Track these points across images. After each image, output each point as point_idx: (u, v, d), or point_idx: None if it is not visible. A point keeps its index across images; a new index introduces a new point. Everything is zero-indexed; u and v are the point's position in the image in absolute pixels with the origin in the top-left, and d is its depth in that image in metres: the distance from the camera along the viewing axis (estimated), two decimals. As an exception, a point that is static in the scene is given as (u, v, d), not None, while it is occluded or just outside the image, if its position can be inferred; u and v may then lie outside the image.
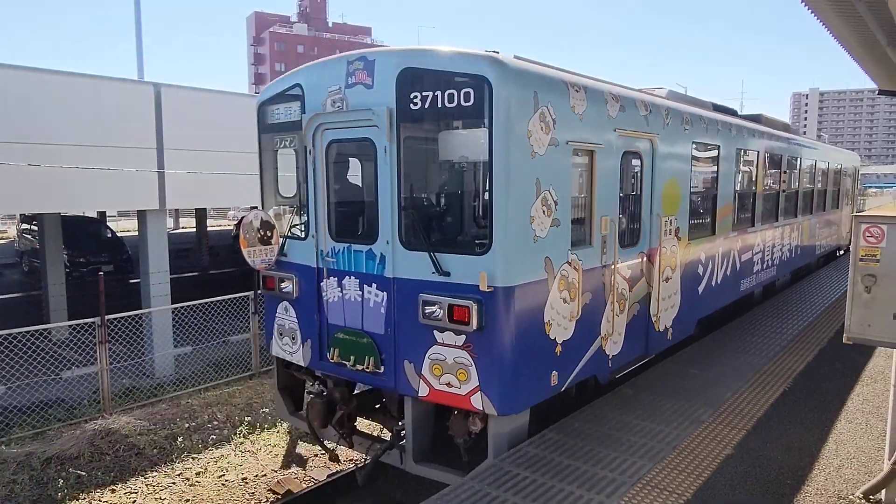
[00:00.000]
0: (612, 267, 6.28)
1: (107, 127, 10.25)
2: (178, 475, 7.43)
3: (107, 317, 9.16)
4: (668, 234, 7.36)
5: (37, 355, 9.42)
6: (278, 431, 8.56)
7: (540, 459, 5.12)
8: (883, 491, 4.69)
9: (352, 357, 5.81)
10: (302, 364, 6.37)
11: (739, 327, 9.47)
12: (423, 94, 5.13)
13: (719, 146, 8.65)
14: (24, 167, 9.16)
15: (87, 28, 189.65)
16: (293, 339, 6.40)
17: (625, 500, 4.54)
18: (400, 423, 5.95)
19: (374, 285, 5.63)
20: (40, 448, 7.87)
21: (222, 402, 9.47)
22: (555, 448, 5.33)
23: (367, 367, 5.69)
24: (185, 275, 21.16)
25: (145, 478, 7.34)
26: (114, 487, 7.11)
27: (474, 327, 4.99)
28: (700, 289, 8.51)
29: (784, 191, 11.61)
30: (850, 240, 4.75)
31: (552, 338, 5.53)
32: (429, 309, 5.19)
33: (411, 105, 5.21)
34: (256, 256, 6.40)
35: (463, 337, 5.13)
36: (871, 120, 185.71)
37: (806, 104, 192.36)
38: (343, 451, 6.97)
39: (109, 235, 22.53)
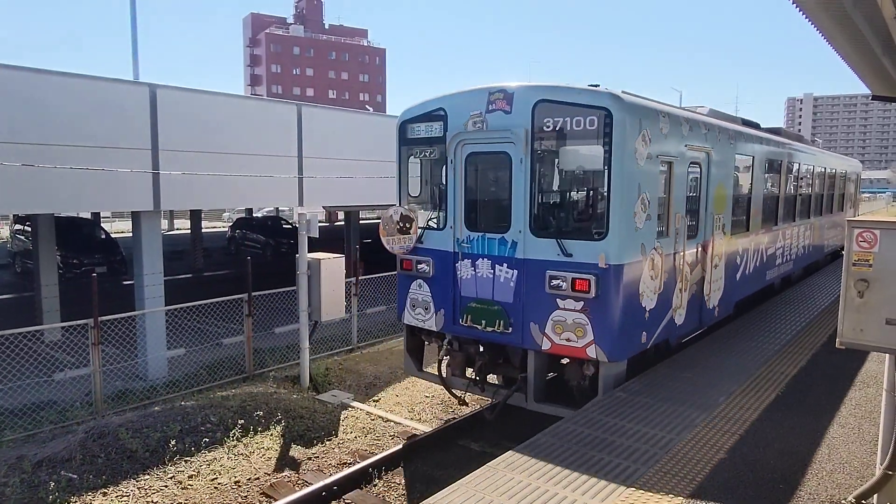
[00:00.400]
0: (681, 254, 8.00)
1: (101, 127, 10.22)
2: (171, 478, 7.40)
3: (100, 318, 9.12)
4: (717, 229, 9.04)
5: (29, 357, 9.37)
6: (272, 434, 8.53)
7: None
8: (875, 496, 4.70)
9: (483, 321, 7.49)
10: (434, 329, 8.00)
11: (733, 331, 9.50)
12: (555, 119, 6.81)
13: (753, 157, 10.36)
14: (18, 167, 9.12)
15: (81, 28, 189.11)
16: (426, 309, 8.04)
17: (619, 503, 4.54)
18: (522, 373, 7.41)
19: (505, 265, 7.27)
20: (32, 450, 7.81)
21: (215, 404, 9.43)
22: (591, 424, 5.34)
23: (498, 329, 7.36)
24: (180, 276, 21.09)
25: (137, 481, 7.30)
26: (105, 490, 7.06)
27: (592, 295, 6.61)
28: (738, 276, 10.13)
29: (799, 194, 13.13)
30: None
31: (643, 306, 7.21)
32: (554, 282, 6.81)
33: (544, 127, 6.89)
34: (395, 244, 7.98)
35: (582, 303, 6.73)
36: (865, 125, 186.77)
37: (800, 109, 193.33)
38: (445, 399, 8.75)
39: (103, 237, 22.45)
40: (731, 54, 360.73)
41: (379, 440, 8.54)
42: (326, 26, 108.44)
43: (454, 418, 9.31)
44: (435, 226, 7.99)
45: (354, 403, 9.75)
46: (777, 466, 5.21)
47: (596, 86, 6.92)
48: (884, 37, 6.92)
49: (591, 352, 6.74)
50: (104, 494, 6.99)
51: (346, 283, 11.08)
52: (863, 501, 4.73)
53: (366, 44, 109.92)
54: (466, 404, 8.99)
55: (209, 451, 8.02)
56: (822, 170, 15.27)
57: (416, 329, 8.35)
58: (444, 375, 8.18)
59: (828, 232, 16.46)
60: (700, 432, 5.83)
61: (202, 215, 29.17)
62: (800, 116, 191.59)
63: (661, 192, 7.51)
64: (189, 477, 7.41)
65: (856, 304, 4.58)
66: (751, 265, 10.72)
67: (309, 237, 10.12)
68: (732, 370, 7.63)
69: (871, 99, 11.93)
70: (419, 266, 7.97)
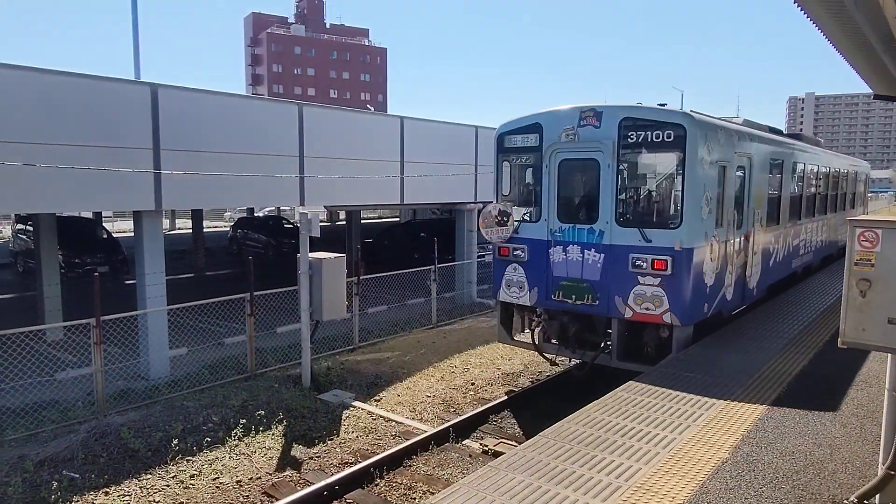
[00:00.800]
0: (731, 242, 9.57)
1: (103, 127, 10.23)
2: (172, 477, 7.40)
3: (102, 318, 9.13)
4: (756, 222, 10.53)
5: (31, 356, 9.38)
6: (273, 434, 8.54)
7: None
8: (878, 496, 4.70)
9: (573, 296, 9.07)
10: (528, 304, 9.58)
11: (736, 330, 9.50)
12: (637, 132, 8.45)
13: (783, 160, 11.71)
14: (19, 167, 9.13)
15: (82, 29, 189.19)
16: (521, 288, 9.61)
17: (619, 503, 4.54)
18: (606, 338, 9.00)
19: (592, 250, 8.86)
20: (34, 450, 7.83)
21: (217, 404, 9.44)
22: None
23: (586, 301, 8.95)
24: (182, 276, 21.11)
25: (139, 480, 7.31)
26: (107, 490, 7.07)
27: (669, 272, 8.21)
28: (770, 263, 11.59)
29: (818, 193, 14.47)
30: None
31: (706, 282, 8.84)
32: (636, 262, 8.43)
33: (628, 139, 8.51)
34: (494, 234, 9.73)
35: (659, 279, 8.32)
36: (867, 124, 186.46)
37: (802, 108, 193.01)
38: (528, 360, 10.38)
39: (105, 236, 22.48)
40: (733, 53, 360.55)
41: (380, 440, 8.54)
42: (328, 26, 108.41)
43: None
44: (529, 219, 9.55)
45: (356, 403, 9.76)
46: (779, 466, 5.20)
47: (664, 104, 8.94)
48: (886, 36, 6.90)
49: (667, 318, 8.37)
50: (106, 494, 7.00)
51: (348, 282, 11.09)
52: (865, 501, 4.72)
53: (367, 43, 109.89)
54: (557, 364, 10.97)
55: (211, 451, 8.03)
56: (836, 171, 16.47)
57: (508, 305, 9.96)
58: (537, 342, 9.66)
59: (841, 227, 17.30)
60: (701, 431, 5.83)
61: (203, 215, 29.21)
62: (801, 116, 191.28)
63: (717, 191, 8.98)
64: (191, 476, 7.42)
65: (858, 303, 4.58)
66: (780, 254, 12.22)
67: (310, 237, 10.13)
68: (734, 370, 7.63)
69: (873, 98, 11.94)
70: (515, 252, 9.58)
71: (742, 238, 10.02)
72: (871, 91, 10.85)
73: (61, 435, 8.32)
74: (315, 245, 10.69)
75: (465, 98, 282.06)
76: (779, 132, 12.93)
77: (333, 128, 14.36)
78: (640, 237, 8.43)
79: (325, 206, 14.92)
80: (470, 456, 7.98)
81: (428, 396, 10.19)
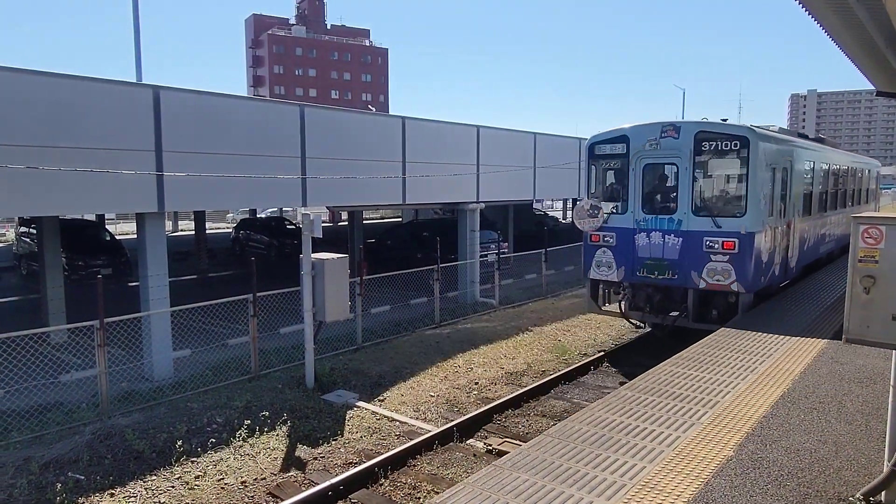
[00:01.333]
0: (779, 228, 11.64)
1: (105, 129, 10.25)
2: (178, 479, 7.42)
3: (105, 320, 9.15)
4: (795, 213, 12.47)
5: (35, 359, 9.40)
6: (277, 435, 8.55)
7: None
8: (883, 493, 4.69)
9: (655, 272, 11.17)
10: (615, 280, 11.69)
11: (739, 329, 9.49)
12: (709, 142, 10.66)
13: (813, 161, 13.68)
14: (22, 169, 9.15)
15: (84, 32, 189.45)
16: (609, 267, 11.70)
17: (624, 502, 4.53)
18: (683, 305, 11.15)
19: (672, 235, 10.99)
20: (39, 452, 7.85)
21: (221, 405, 9.46)
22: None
23: (667, 276, 11.05)
24: (185, 278, 21.14)
25: (144, 481, 7.32)
26: (112, 491, 7.09)
27: (736, 251, 10.36)
28: (805, 247, 13.56)
29: (838, 189, 16.20)
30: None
31: (762, 260, 10.90)
32: (709, 244, 10.59)
33: (701, 148, 10.71)
34: (586, 225, 11.79)
35: (728, 256, 10.45)
36: (869, 122, 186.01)
37: (804, 106, 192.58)
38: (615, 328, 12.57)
39: (108, 238, 22.52)
40: (735, 50, 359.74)
41: (385, 440, 8.55)
42: (328, 27, 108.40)
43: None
44: (616, 211, 11.62)
45: (360, 403, 9.76)
46: (784, 464, 5.20)
47: (725, 120, 11.42)
48: (888, 32, 6.89)
49: (734, 287, 10.47)
50: (111, 495, 7.02)
51: (351, 282, 11.09)
52: (871, 499, 4.71)
53: (368, 44, 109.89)
54: (643, 327, 12.98)
55: (215, 452, 8.04)
56: (852, 169, 18.20)
57: (596, 281, 12.09)
58: (624, 310, 11.84)
59: None
60: (706, 429, 5.82)
61: (206, 216, 29.24)
62: (804, 113, 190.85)
63: (770, 187, 10.98)
64: (196, 477, 7.43)
65: (862, 300, 4.57)
66: (811, 240, 14.16)
67: (313, 237, 10.13)
68: (737, 368, 7.62)
69: (876, 95, 11.94)
70: (605, 238, 11.67)
71: (785, 226, 12.08)
72: (873, 88, 10.84)
73: (66, 437, 8.34)
74: (317, 246, 10.69)
75: (466, 97, 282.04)
76: (805, 137, 15.16)
77: (335, 128, 14.37)
78: (712, 224, 10.61)
79: (327, 207, 15.04)
80: (474, 455, 7.98)
81: (431, 396, 10.19)
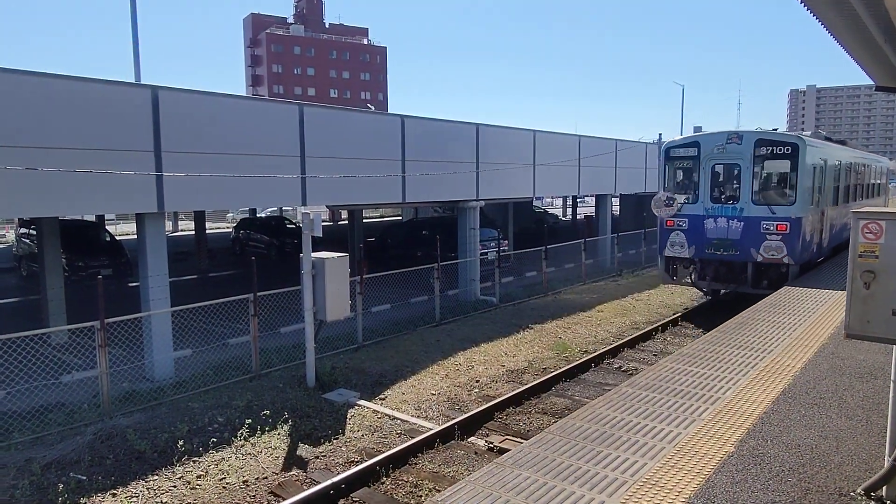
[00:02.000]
0: (817, 215, 14.64)
1: (105, 130, 10.25)
2: (179, 478, 7.42)
3: (106, 320, 9.15)
4: (827, 202, 15.36)
5: (36, 360, 9.41)
6: (279, 434, 8.55)
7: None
8: (884, 487, 4.69)
9: (721, 249, 14.06)
10: (687, 256, 14.62)
11: (740, 324, 9.49)
12: (766, 147, 13.65)
13: (840, 161, 16.61)
14: (22, 171, 9.15)
15: (82, 31, 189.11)
16: (682, 246, 14.64)
17: (625, 499, 4.54)
18: (743, 276, 14.02)
19: (735, 220, 13.92)
20: (40, 453, 7.86)
21: (222, 404, 9.46)
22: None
23: (731, 252, 13.97)
24: (185, 278, 21.14)
25: (146, 481, 7.33)
26: (114, 491, 7.10)
27: (787, 231, 13.32)
28: (833, 231, 16.36)
29: (856, 183, 18.87)
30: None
31: (806, 239, 13.83)
32: (764, 226, 13.57)
33: (759, 151, 13.70)
34: (663, 213, 14.77)
35: (780, 236, 13.39)
36: (869, 116, 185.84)
37: (803, 101, 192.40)
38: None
39: (108, 239, 22.51)
40: (734, 46, 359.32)
41: (386, 438, 8.55)
42: (327, 25, 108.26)
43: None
44: (688, 202, 14.60)
45: (361, 402, 9.77)
46: (785, 459, 5.20)
47: (776, 129, 15.45)
48: (886, 27, 6.88)
49: (786, 260, 13.42)
50: (113, 496, 7.02)
51: (351, 281, 11.09)
52: (872, 494, 4.72)
53: (366, 42, 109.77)
54: (712, 296, 16.45)
55: (217, 451, 8.05)
56: (867, 166, 20.72)
57: (671, 258, 15.03)
58: (693, 280, 14.94)
59: None
60: (707, 426, 5.83)
61: (206, 216, 29.23)
62: (803, 108, 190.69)
63: (811, 181, 13.90)
64: (197, 477, 7.44)
65: (862, 295, 4.57)
66: (837, 226, 16.74)
67: (313, 236, 10.13)
68: (738, 364, 7.62)
69: (875, 90, 11.94)
70: (678, 223, 14.69)
71: (820, 213, 15.01)
72: (872, 83, 10.83)
73: (67, 437, 8.35)
74: (318, 245, 10.69)
75: (465, 95, 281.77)
76: (832, 140, 18.01)
77: (334, 127, 14.36)
78: (768, 211, 13.61)
79: (326, 206, 15.04)
80: (476, 453, 7.99)
81: (433, 394, 10.20)
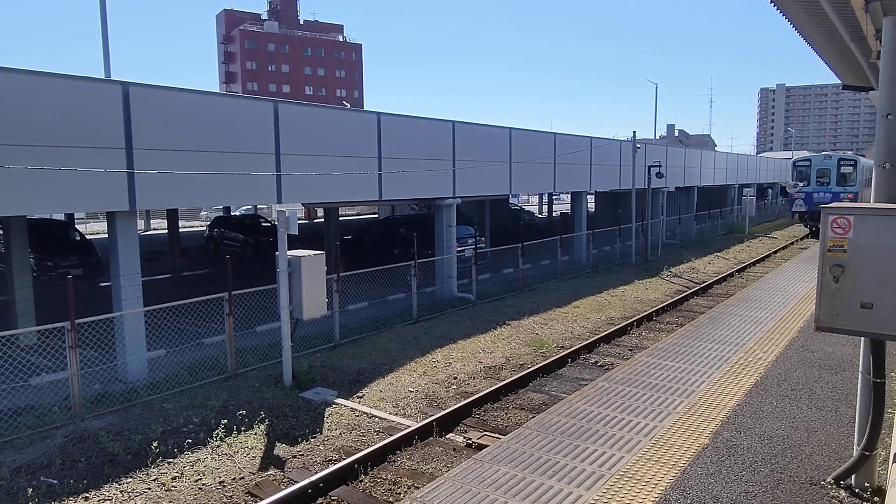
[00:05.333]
0: (860, 193, 30.86)
1: (74, 127, 10.04)
2: (154, 480, 7.31)
3: (77, 321, 8.97)
4: (863, 187, 30.40)
5: (4, 362, 9.19)
6: (255, 433, 8.47)
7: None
8: (853, 476, 4.81)
9: (819, 206, 19.26)
10: (804, 210, 31.67)
11: (713, 319, 9.64)
12: (842, 161, 32.29)
13: (864, 165, 31.28)
14: (-12, 169, 8.91)
15: (49, 26, 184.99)
16: (800, 206, 31.82)
17: (603, 492, 4.58)
18: None
19: (827, 193, 31.08)
20: (10, 457, 7.67)
21: (197, 405, 9.34)
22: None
23: None
24: (158, 277, 20.81)
25: (119, 484, 7.21)
26: (87, 495, 6.96)
27: (852, 198, 32.40)
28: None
29: (867, 180, 28.50)
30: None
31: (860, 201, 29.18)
32: (842, 196, 31.48)
33: (840, 164, 32.14)
34: (792, 190, 32.68)
35: (848, 200, 32.88)
36: (836, 115, 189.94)
37: (773, 100, 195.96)
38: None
39: (78, 238, 22.05)
40: (705, 47, 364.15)
41: (364, 436, 8.52)
42: (301, 22, 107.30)
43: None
44: (804, 185, 31.25)
45: (338, 400, 9.72)
46: (758, 450, 5.30)
47: (848, 150, 60.26)
48: (853, 26, 7.03)
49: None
50: (85, 499, 6.89)
51: (328, 279, 11.02)
52: (841, 482, 4.83)
53: (341, 39, 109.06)
54: (811, 231, 32.34)
55: (192, 452, 7.94)
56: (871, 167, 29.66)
57: (795, 212, 32.07)
58: (807, 222, 32.44)
59: None
60: (682, 418, 5.91)
61: (179, 214, 28.79)
62: (773, 107, 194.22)
63: (861, 176, 30.39)
64: (172, 478, 7.34)
65: (831, 289, 4.67)
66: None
67: (289, 234, 10.04)
68: (712, 358, 7.74)
69: (842, 89, 12.20)
70: (800, 195, 31.30)
71: (853, 195, 28.44)
72: (839, 82, 11.07)
73: (38, 441, 8.17)
74: (293, 243, 10.60)
75: (442, 96, 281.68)
76: (863, 156, 33.06)
77: (309, 124, 14.24)
78: (843, 190, 29.56)
79: (302, 204, 14.92)
80: (454, 450, 8.00)
81: (410, 391, 10.19)
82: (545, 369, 11.11)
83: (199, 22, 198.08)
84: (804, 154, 48.63)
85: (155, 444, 7.93)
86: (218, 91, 48.62)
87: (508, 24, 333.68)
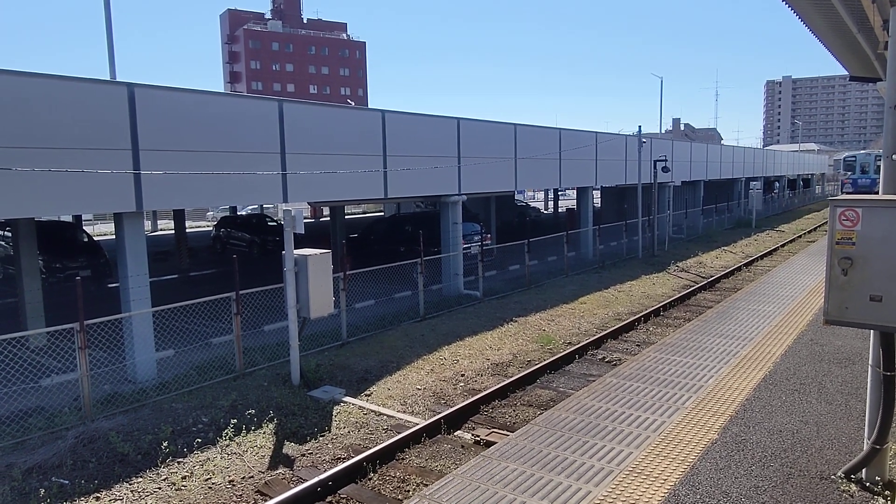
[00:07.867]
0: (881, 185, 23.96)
1: (80, 128, 10.07)
2: (164, 480, 7.35)
3: (86, 322, 9.02)
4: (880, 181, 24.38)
5: (14, 363, 9.25)
6: (264, 432, 8.50)
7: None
8: (864, 470, 4.78)
9: (864, 189, 43.63)
10: (852, 191, 42.83)
11: (720, 314, 9.60)
12: (879, 156, 22.66)
13: (876, 153, 34.38)
14: (-5, 172, 8.96)
15: (56, 31, 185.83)
16: (848, 188, 44.10)
17: (612, 487, 4.58)
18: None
19: (868, 180, 43.78)
20: (21, 458, 7.73)
21: (206, 404, 9.38)
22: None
23: (867, 190, 43.21)
24: (165, 277, 20.90)
25: (130, 484, 7.25)
26: (98, 495, 7.01)
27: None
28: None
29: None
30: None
31: None
32: (876, 181, 38.86)
33: (876, 157, 42.54)
34: (841, 178, 48.08)
35: None
36: (843, 107, 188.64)
37: (779, 92, 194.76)
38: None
39: (86, 240, 22.17)
40: (711, 39, 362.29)
41: (372, 434, 8.54)
42: (305, 21, 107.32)
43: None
44: (852, 174, 42.91)
45: (346, 398, 9.74)
46: (767, 445, 5.28)
47: (855, 141, 47.23)
48: (860, 16, 6.97)
49: None
50: (97, 499, 6.94)
51: (334, 277, 11.04)
52: (852, 476, 4.81)
53: (345, 37, 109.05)
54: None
55: (202, 452, 7.98)
56: None
57: (846, 191, 42.13)
58: None
59: None
60: (690, 414, 5.89)
61: (186, 215, 28.91)
62: (779, 99, 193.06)
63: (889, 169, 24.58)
64: (182, 478, 7.37)
65: (840, 282, 4.64)
66: None
67: (295, 233, 10.06)
68: (720, 352, 7.71)
69: (849, 80, 12.10)
70: (847, 180, 43.55)
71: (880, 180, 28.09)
72: (846, 73, 10.99)
73: (49, 442, 8.23)
74: (300, 242, 10.62)
75: (447, 93, 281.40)
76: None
77: (314, 123, 14.26)
78: (878, 176, 24.67)
79: (308, 203, 14.94)
80: (462, 447, 8.01)
81: (418, 389, 10.20)
82: (553, 366, 11.10)
83: (203, 22, 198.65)
84: (811, 146, 53.00)
85: (165, 444, 7.97)
86: (223, 91, 48.68)
87: (512, 19, 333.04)
